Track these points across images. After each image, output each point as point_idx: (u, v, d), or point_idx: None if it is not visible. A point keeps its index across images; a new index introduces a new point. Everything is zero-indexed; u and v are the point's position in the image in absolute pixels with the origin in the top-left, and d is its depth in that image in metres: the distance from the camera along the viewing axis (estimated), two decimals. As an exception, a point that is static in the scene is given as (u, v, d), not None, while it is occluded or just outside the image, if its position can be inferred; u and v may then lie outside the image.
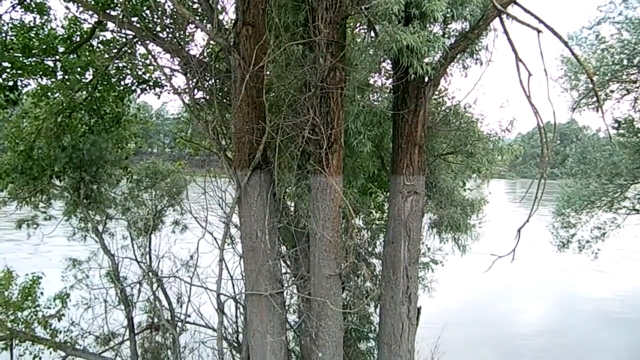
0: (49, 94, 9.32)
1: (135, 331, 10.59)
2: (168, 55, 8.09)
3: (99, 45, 9.10)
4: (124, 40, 8.87)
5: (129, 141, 11.41)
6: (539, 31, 5.79)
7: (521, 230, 6.56)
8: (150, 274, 10.30)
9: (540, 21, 5.80)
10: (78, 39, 8.63)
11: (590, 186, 17.45)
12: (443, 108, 8.57)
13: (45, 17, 8.30)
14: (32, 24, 8.19)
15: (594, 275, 25.60)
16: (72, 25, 8.57)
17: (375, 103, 8.26)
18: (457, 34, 7.16)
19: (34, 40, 8.15)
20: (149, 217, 10.82)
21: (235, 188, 6.96)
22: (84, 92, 9.57)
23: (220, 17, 7.21)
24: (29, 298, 9.86)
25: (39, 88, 9.17)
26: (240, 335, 9.54)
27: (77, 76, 8.72)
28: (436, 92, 8.14)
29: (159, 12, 8.06)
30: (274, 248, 6.84)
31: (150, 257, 10.70)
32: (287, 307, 8.07)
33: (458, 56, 7.31)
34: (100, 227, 10.62)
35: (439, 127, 8.21)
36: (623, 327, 18.64)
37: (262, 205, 6.67)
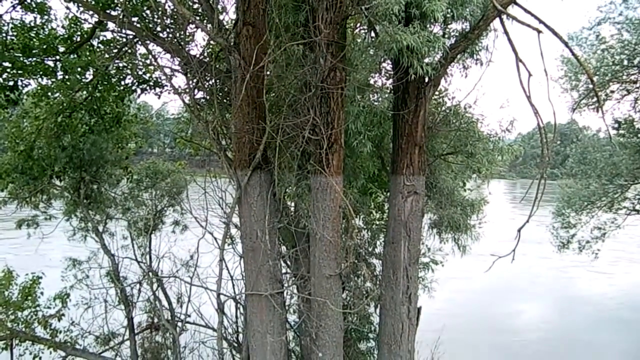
0: (50, 93, 9.32)
1: (135, 331, 10.59)
2: (168, 55, 8.09)
3: (100, 45, 9.10)
4: (124, 40, 8.87)
5: (129, 141, 11.41)
6: (539, 31, 5.79)
7: (521, 231, 6.56)
8: (150, 274, 10.30)
9: (541, 21, 5.80)
10: (78, 39, 8.63)
11: (591, 186, 17.47)
12: (443, 108, 8.57)
13: (46, 17, 8.29)
14: (32, 24, 8.18)
15: (593, 276, 25.61)
16: (72, 25, 8.57)
17: (376, 103, 8.25)
18: (457, 34, 7.16)
19: (35, 40, 8.15)
20: (149, 217, 10.82)
21: (235, 188, 6.96)
22: (85, 92, 9.57)
23: (221, 17, 7.21)
24: (29, 298, 9.86)
25: (39, 88, 9.17)
26: (240, 335, 9.54)
27: (78, 76, 8.71)
28: (436, 93, 8.14)
29: (160, 12, 8.06)
30: (274, 248, 6.83)
31: (150, 257, 10.71)
32: (287, 307, 8.07)
33: (458, 56, 7.31)
34: (100, 227, 10.63)
35: (439, 128, 8.21)
36: (623, 328, 18.64)
37: (262, 206, 6.67)
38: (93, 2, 7.75)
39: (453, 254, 8.92)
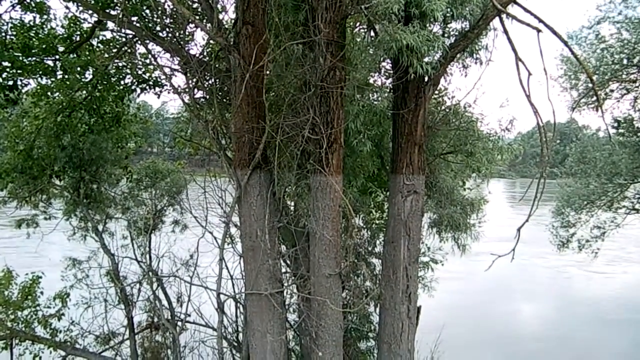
0: (49, 93, 9.32)
1: (135, 330, 10.60)
2: (168, 55, 8.10)
3: (99, 44, 9.10)
4: (123, 39, 8.87)
5: (129, 140, 11.41)
6: (538, 30, 5.79)
7: (520, 230, 6.57)
8: (150, 273, 10.30)
9: (540, 21, 5.80)
10: (78, 39, 8.62)
11: (590, 185, 17.47)
12: (443, 107, 8.57)
13: (45, 17, 8.29)
14: (32, 24, 8.18)
15: (590, 275, 25.63)
16: (72, 24, 8.57)
17: (375, 102, 8.26)
18: (457, 33, 7.16)
19: (34, 39, 8.14)
20: (148, 217, 10.82)
21: (235, 187, 6.97)
22: (84, 92, 9.57)
23: (220, 16, 7.21)
24: (29, 297, 9.87)
25: (38, 87, 9.17)
26: (240, 335, 9.54)
27: (77, 75, 8.71)
28: (436, 92, 8.14)
29: (159, 12, 8.06)
30: (274, 247, 6.84)
31: (150, 257, 10.71)
32: (287, 307, 8.07)
33: (458, 56, 7.31)
34: (100, 227, 10.63)
35: (439, 127, 8.22)
36: (622, 328, 18.65)
37: (262, 205, 6.67)
38: (92, 2, 7.75)
39: (453, 253, 8.93)
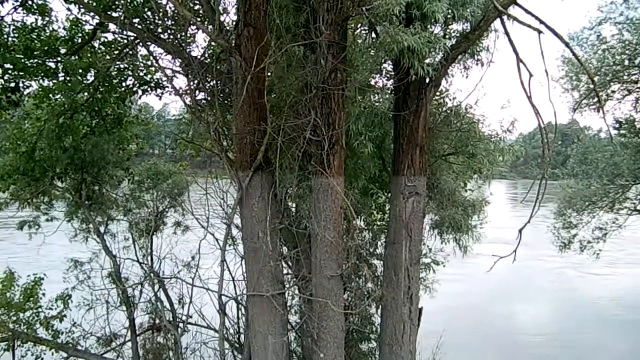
0: (51, 95, 9.33)
1: (137, 332, 10.60)
2: (169, 57, 8.10)
3: (101, 46, 9.12)
4: (125, 41, 8.89)
5: (131, 142, 11.42)
6: (539, 32, 5.80)
7: (522, 231, 6.57)
8: (151, 275, 10.30)
9: (541, 22, 5.81)
10: (79, 41, 8.64)
11: (592, 187, 17.47)
12: (444, 109, 8.58)
13: (47, 19, 8.31)
14: (33, 26, 8.20)
15: (590, 277, 25.59)
16: (73, 26, 8.58)
17: (377, 104, 8.26)
18: (458, 34, 7.17)
19: (36, 41, 8.16)
20: (150, 218, 10.83)
21: (236, 189, 6.96)
22: (86, 94, 9.59)
23: (222, 18, 7.23)
24: (31, 299, 9.87)
25: (40, 89, 9.18)
26: (242, 336, 9.53)
27: (79, 77, 8.72)
28: (437, 93, 8.14)
29: (161, 14, 8.07)
30: (275, 249, 6.84)
31: (151, 258, 10.71)
32: (288, 308, 8.07)
33: (459, 57, 7.32)
34: (101, 228, 10.64)
35: (440, 128, 8.22)
36: (622, 329, 18.62)
37: (264, 206, 6.66)
38: (94, 4, 7.76)
39: (454, 254, 8.92)
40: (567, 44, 6.43)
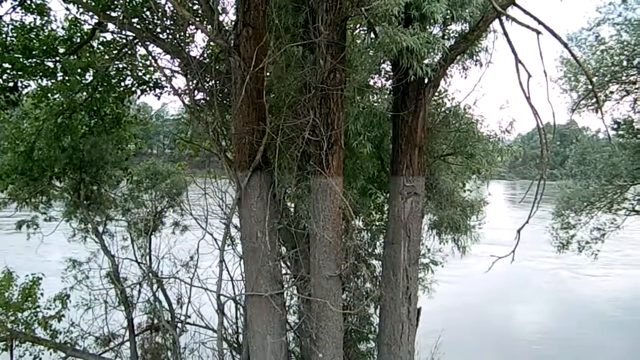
0: (49, 95, 9.33)
1: (136, 332, 10.59)
2: (168, 57, 8.09)
3: (99, 46, 9.11)
4: (124, 41, 8.88)
5: (129, 142, 11.41)
6: (538, 32, 5.81)
7: (520, 232, 6.58)
8: (150, 274, 10.30)
9: (540, 22, 5.82)
10: (78, 40, 8.64)
11: (590, 187, 17.49)
12: (443, 109, 8.58)
13: (46, 18, 8.31)
14: (32, 25, 8.19)
15: (588, 279, 25.63)
16: (72, 26, 8.58)
17: (375, 104, 8.27)
18: (456, 35, 7.18)
19: (35, 41, 8.15)
20: (149, 218, 10.82)
21: (235, 189, 6.97)
22: (84, 93, 9.58)
23: (221, 18, 7.22)
24: (29, 299, 9.86)
25: (39, 89, 9.17)
26: (241, 336, 9.54)
27: (78, 77, 8.72)
28: (436, 94, 8.15)
29: (159, 14, 8.07)
30: (274, 249, 6.84)
31: (150, 258, 10.70)
32: (287, 308, 8.07)
33: (458, 57, 7.32)
34: (100, 228, 10.63)
35: (439, 128, 8.23)
36: (619, 329, 18.65)
37: (262, 206, 6.67)
38: (93, 3, 7.76)
39: (453, 254, 8.93)
40: (565, 45, 6.44)
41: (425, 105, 7.22)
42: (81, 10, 8.28)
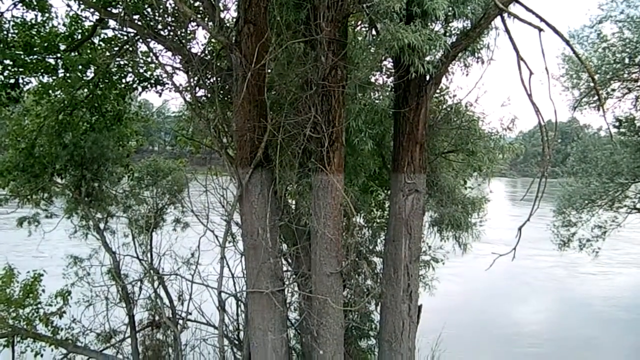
0: (51, 91, 9.31)
1: (137, 329, 10.61)
2: (169, 53, 8.10)
3: (101, 43, 9.10)
4: (125, 38, 8.88)
5: (130, 139, 11.40)
6: (540, 30, 5.80)
7: (522, 229, 6.58)
8: (151, 271, 10.31)
9: (542, 20, 5.80)
10: (79, 37, 8.63)
11: (591, 185, 17.45)
12: (444, 106, 8.58)
13: (47, 15, 8.30)
14: (33, 22, 8.19)
15: (588, 277, 25.62)
16: (73, 23, 8.58)
17: (377, 101, 8.26)
18: (458, 32, 7.16)
19: (36, 38, 8.15)
20: (150, 215, 10.83)
21: (236, 186, 6.97)
22: (86, 90, 9.58)
23: (222, 15, 7.21)
24: (31, 295, 9.86)
25: (40, 86, 9.16)
26: (242, 333, 9.56)
27: (79, 74, 8.71)
28: (437, 91, 8.15)
29: (161, 10, 8.06)
30: (275, 246, 6.85)
31: (151, 255, 10.72)
32: (288, 305, 8.09)
33: (459, 55, 7.32)
34: (101, 225, 10.64)
35: (440, 126, 8.23)
36: (621, 329, 18.64)
37: (264, 203, 6.67)
38: (94, 0, 7.75)
39: (454, 252, 8.94)
40: (567, 42, 6.43)
41: (427, 103, 7.22)
42: (82, 6, 8.27)
